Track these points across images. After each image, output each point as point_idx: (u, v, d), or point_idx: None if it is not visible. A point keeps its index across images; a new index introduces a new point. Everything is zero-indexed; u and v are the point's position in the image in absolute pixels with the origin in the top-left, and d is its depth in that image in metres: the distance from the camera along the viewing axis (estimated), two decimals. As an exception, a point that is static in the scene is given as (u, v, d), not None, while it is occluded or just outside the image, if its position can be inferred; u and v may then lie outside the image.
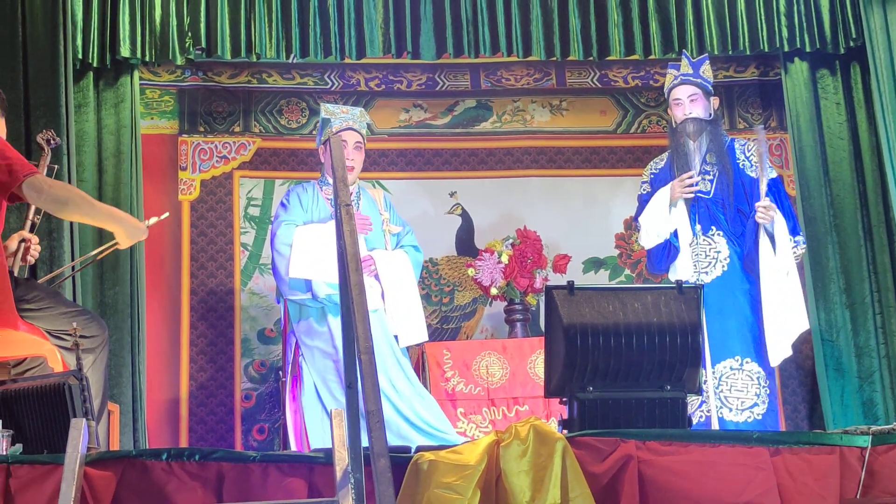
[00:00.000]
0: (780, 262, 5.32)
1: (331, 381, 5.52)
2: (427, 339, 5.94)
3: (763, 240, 5.36)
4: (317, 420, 5.50)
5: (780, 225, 5.36)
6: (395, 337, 5.70)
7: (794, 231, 5.44)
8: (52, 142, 5.10)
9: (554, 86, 7.51)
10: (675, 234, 5.45)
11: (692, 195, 5.44)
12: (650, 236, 5.53)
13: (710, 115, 5.54)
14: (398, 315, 5.71)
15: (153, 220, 4.68)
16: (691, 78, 5.54)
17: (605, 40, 6.58)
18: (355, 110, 5.98)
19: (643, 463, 3.47)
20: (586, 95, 7.54)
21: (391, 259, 5.80)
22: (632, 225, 6.62)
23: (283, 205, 5.87)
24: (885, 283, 6.64)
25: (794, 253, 5.42)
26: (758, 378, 5.25)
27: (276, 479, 3.44)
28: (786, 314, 5.28)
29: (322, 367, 5.57)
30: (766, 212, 5.33)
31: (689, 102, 5.52)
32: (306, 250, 5.58)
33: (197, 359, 6.93)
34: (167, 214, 5.09)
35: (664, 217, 5.46)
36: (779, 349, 5.26)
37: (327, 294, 5.52)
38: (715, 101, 5.59)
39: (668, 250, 5.48)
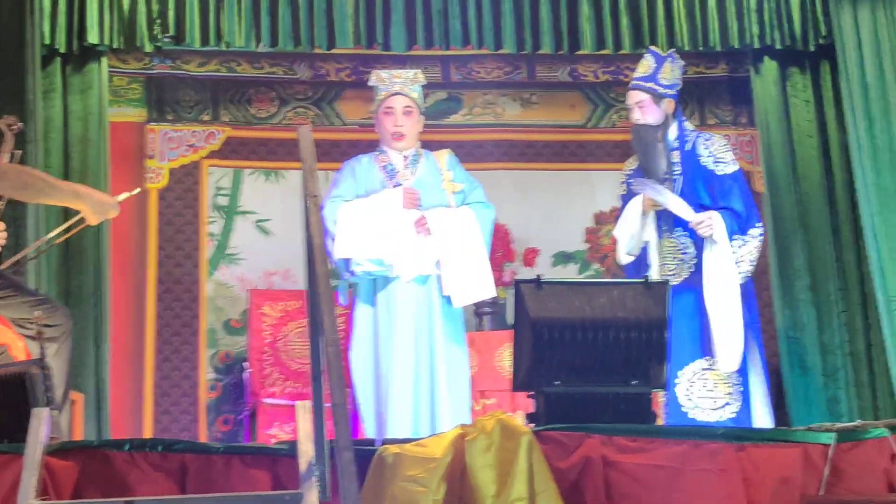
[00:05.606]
0: (723, 270, 5.27)
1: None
2: (494, 294, 5.59)
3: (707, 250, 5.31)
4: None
5: (721, 234, 5.27)
6: (448, 298, 5.40)
7: (757, 219, 5.38)
8: (13, 127, 5.04)
9: (525, 79, 7.51)
10: (646, 248, 5.41)
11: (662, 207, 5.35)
12: (623, 254, 5.44)
13: (664, 118, 5.45)
14: (456, 272, 5.37)
15: (124, 195, 4.64)
16: (641, 83, 5.44)
17: (576, 34, 6.57)
18: (408, 73, 5.71)
19: (609, 463, 3.48)
20: (557, 90, 7.54)
21: (449, 216, 5.46)
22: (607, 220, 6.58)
23: (334, 181, 5.62)
24: (851, 281, 6.66)
25: (748, 247, 5.33)
26: (728, 376, 5.23)
27: (240, 470, 3.42)
28: (724, 321, 5.23)
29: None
30: (700, 227, 5.23)
31: (637, 109, 5.44)
32: (348, 229, 5.35)
33: (162, 349, 6.89)
34: (138, 190, 5.05)
35: (637, 232, 5.37)
36: (728, 355, 5.22)
37: (363, 270, 5.34)
38: (669, 105, 5.46)
39: (639, 266, 5.42)
